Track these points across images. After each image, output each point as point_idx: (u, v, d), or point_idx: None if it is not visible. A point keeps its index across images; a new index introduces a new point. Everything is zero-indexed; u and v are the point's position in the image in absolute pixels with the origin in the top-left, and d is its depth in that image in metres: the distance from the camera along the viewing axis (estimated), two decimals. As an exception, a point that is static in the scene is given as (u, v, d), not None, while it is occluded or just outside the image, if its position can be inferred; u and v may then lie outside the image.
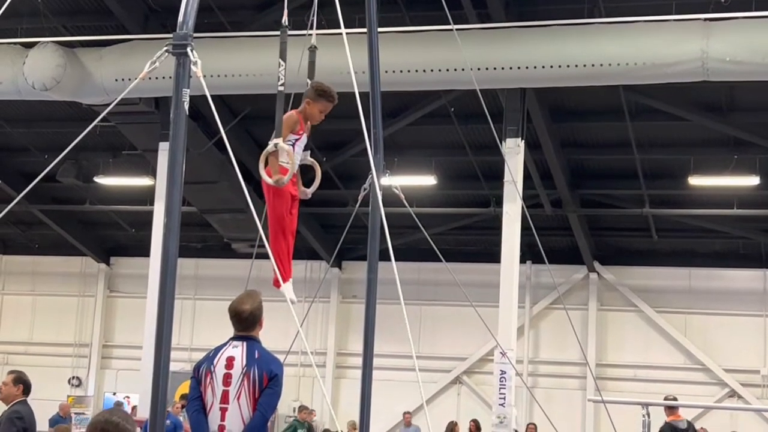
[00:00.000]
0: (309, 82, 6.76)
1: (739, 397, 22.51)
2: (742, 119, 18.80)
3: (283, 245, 6.74)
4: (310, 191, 6.87)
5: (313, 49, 6.83)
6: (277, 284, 6.37)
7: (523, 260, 18.41)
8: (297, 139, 6.63)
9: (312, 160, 6.77)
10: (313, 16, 6.72)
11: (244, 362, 5.93)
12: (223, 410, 5.89)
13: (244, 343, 6.02)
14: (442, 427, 20.66)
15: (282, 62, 6.43)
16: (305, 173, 6.85)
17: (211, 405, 5.89)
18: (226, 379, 5.92)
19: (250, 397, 5.89)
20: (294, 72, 6.50)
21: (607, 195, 21.59)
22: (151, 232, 18.41)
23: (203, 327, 24.67)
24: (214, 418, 5.90)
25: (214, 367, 5.94)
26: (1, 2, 6.89)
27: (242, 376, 5.89)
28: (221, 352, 6.02)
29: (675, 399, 13.67)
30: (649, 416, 12.90)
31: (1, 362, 26.62)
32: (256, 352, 5.99)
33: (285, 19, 6.55)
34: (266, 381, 5.90)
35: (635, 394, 21.59)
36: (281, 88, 6.40)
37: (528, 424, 21.03)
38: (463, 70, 13.99)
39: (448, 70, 14.77)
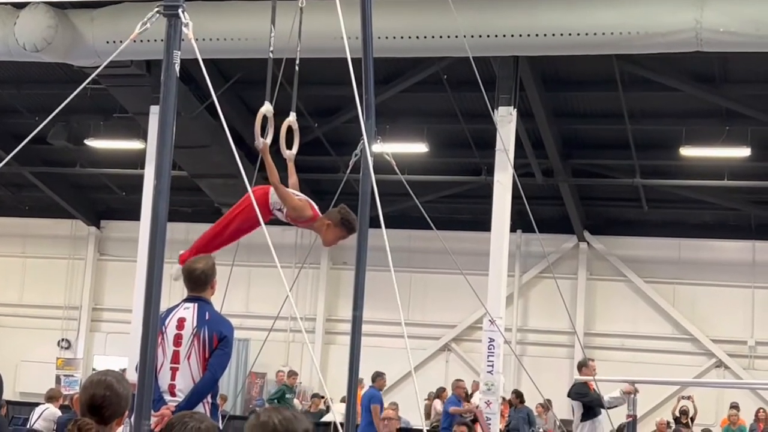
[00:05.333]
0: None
1: (726, 367, 22.66)
2: (735, 90, 18.78)
3: (210, 248, 6.77)
4: (291, 153, 6.93)
5: (300, 6, 6.76)
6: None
7: (513, 229, 18.41)
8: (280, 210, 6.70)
9: (292, 120, 6.82)
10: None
11: (195, 323, 6.05)
12: (174, 370, 6.01)
13: (196, 305, 6.14)
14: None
15: (272, 27, 6.40)
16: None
17: (161, 365, 5.97)
18: (177, 340, 6.04)
19: (200, 357, 6.01)
20: (285, 36, 6.46)
21: (598, 165, 21.58)
22: (141, 196, 18.35)
23: (193, 291, 24.66)
24: (164, 378, 6.01)
25: (166, 328, 6.03)
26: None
27: (192, 337, 6.02)
28: (173, 313, 6.13)
29: (592, 360, 15.02)
30: (633, 385, 13.14)
31: (-10, 324, 26.72)
32: (207, 314, 6.11)
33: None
34: (216, 342, 6.03)
35: (623, 363, 21.75)
36: (271, 54, 6.39)
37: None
38: (456, 37, 13.92)
39: (441, 36, 14.69)
